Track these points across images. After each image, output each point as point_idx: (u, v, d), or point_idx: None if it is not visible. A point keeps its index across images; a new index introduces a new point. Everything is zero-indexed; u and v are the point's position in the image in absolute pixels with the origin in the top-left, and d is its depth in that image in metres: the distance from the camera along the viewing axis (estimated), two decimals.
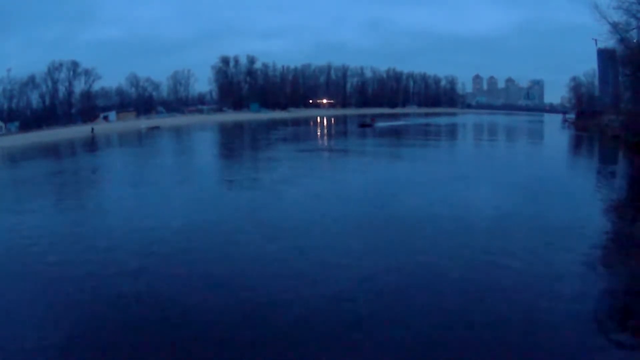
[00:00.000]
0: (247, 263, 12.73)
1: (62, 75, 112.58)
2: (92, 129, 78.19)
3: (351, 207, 19.39)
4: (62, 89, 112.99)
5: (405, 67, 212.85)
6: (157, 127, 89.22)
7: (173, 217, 18.04)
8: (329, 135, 70.98)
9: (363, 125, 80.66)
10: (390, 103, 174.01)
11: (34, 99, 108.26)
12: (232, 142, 60.81)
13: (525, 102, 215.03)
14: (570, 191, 22.99)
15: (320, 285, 11.04)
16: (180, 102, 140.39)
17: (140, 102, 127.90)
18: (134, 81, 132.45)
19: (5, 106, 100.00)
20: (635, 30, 47.90)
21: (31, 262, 13.03)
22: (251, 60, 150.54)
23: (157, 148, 54.25)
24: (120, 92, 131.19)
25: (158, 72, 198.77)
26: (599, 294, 10.70)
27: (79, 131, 79.31)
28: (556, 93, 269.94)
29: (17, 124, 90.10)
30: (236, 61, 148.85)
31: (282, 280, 11.42)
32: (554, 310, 9.64)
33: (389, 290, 10.74)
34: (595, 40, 72.90)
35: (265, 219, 17.36)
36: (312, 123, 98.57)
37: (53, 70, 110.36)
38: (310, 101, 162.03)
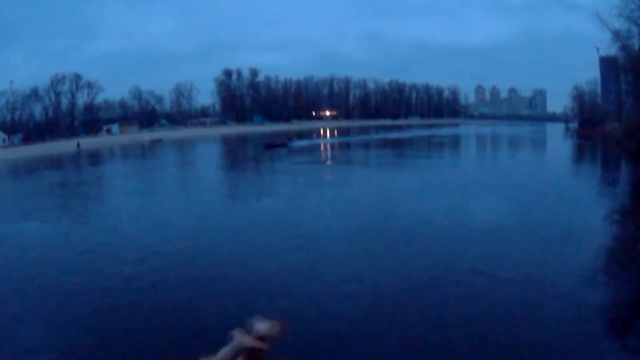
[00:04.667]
0: None
1: (65, 87, 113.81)
2: (78, 144, 76.95)
3: None
4: (65, 102, 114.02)
5: (408, 78, 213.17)
6: (160, 140, 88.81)
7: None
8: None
9: (271, 146, 60.85)
10: (392, 114, 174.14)
11: (37, 111, 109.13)
12: (236, 157, 60.63)
13: (528, 112, 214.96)
14: (575, 199, 22.71)
15: None
16: (183, 114, 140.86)
17: (143, 114, 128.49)
18: (137, 94, 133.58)
19: (8, 118, 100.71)
20: (637, 38, 47.83)
21: None
22: (254, 73, 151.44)
23: (164, 163, 54.25)
24: (123, 104, 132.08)
25: (161, 85, 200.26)
26: (602, 294, 10.56)
27: (82, 144, 79.53)
28: (559, 102, 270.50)
29: (20, 136, 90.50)
30: (239, 74, 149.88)
31: None
32: (559, 310, 9.58)
33: None
34: (597, 48, 72.98)
35: None
36: (314, 135, 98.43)
37: (56, 82, 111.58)
38: (314, 113, 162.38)
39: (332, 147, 67.03)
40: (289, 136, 71.02)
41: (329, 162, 46.11)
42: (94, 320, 9.68)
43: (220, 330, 7.40)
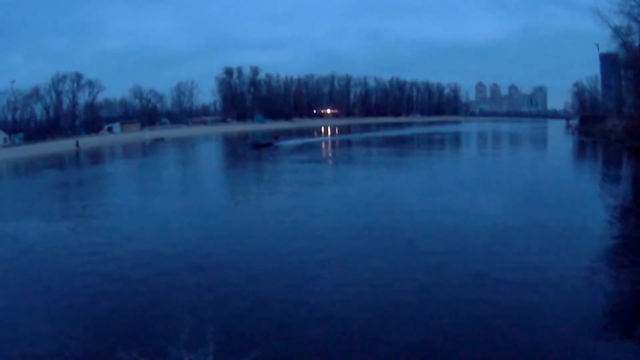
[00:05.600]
0: None
1: (66, 86, 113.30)
2: (77, 143, 76.40)
3: None
4: (66, 101, 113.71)
5: (409, 76, 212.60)
6: (161, 139, 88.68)
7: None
8: None
9: (257, 146, 59.16)
10: (394, 112, 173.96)
11: (38, 110, 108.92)
12: (232, 157, 60.27)
13: (528, 109, 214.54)
14: (576, 197, 22.72)
15: None
16: (184, 113, 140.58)
17: (144, 113, 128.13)
18: (138, 93, 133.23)
19: (10, 118, 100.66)
20: (637, 34, 47.85)
21: None
22: (255, 71, 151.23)
23: (163, 163, 54.22)
24: (124, 103, 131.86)
25: (162, 84, 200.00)
26: (604, 295, 10.55)
27: (82, 143, 79.49)
28: (559, 99, 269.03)
29: (21, 135, 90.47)
30: (240, 72, 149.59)
31: None
32: (560, 308, 9.60)
33: None
34: (598, 45, 73.12)
35: None
36: (316, 133, 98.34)
37: (57, 81, 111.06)
38: (315, 111, 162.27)
39: (330, 145, 66.24)
40: (276, 135, 68.11)
41: (324, 162, 45.78)
42: (90, 327, 9.68)
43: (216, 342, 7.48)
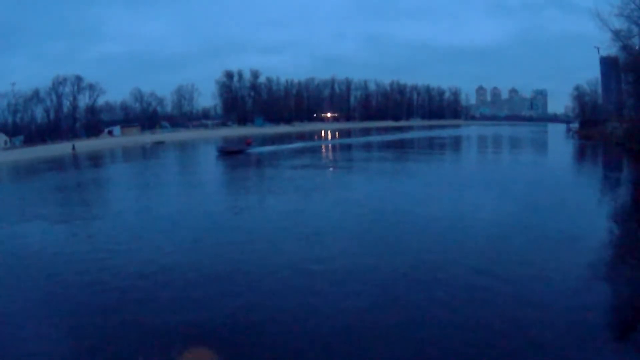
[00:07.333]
0: None
1: (67, 89, 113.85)
2: (73, 147, 76.11)
3: None
4: (66, 104, 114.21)
5: (409, 79, 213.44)
6: (162, 142, 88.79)
7: None
8: None
9: (226, 152, 54.71)
10: (394, 116, 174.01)
11: (39, 113, 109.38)
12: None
13: (529, 113, 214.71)
14: (576, 201, 22.58)
15: None
16: (184, 116, 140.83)
17: (144, 116, 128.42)
18: (138, 96, 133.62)
19: (10, 120, 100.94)
20: (637, 37, 47.81)
21: None
22: (255, 75, 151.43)
23: (163, 167, 54.04)
24: (124, 106, 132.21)
25: (162, 87, 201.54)
26: (604, 301, 10.44)
27: (80, 146, 79.52)
28: (560, 102, 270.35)
29: (21, 138, 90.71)
30: (240, 76, 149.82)
31: None
32: (557, 315, 9.49)
33: None
34: (598, 48, 73.15)
35: None
36: (316, 137, 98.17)
37: (57, 84, 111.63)
38: (315, 115, 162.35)
39: (320, 151, 62.89)
40: (249, 141, 62.80)
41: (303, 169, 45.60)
42: (85, 340, 9.27)
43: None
